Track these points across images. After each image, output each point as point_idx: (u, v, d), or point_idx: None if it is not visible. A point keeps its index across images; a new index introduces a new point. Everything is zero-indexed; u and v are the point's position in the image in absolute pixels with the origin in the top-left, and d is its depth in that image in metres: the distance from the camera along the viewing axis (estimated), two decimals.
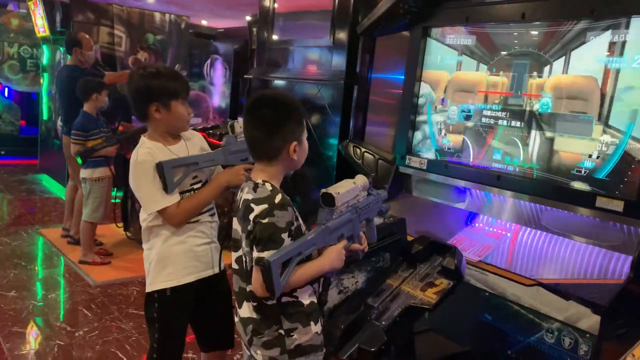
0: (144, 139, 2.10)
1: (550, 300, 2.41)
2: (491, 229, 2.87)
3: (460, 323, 2.78)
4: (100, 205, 4.26)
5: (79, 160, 4.11)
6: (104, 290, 3.84)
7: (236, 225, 1.70)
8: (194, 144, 2.19)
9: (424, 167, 3.23)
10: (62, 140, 5.10)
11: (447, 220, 3.13)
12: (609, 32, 2.44)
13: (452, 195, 3.20)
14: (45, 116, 7.54)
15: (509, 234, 2.79)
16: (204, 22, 16.54)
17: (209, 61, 7.83)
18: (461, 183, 3.07)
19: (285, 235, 1.55)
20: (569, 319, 2.34)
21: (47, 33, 6.90)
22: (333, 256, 1.63)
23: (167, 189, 1.98)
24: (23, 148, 8.33)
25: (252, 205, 1.58)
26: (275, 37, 4.35)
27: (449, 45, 3.15)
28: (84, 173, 4.24)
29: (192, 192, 2.10)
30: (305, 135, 1.71)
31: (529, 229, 2.80)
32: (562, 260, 2.55)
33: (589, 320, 2.22)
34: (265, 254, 1.51)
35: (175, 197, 2.02)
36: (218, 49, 8.23)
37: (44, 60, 7.57)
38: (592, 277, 2.40)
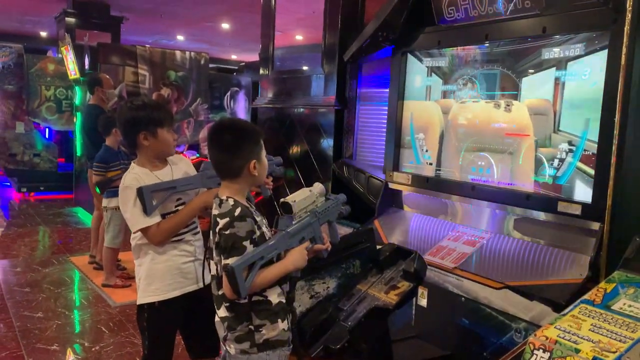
0: (133, 165, 2.31)
1: (518, 301, 2.55)
2: (469, 238, 3.02)
3: (441, 329, 2.93)
4: (120, 232, 4.54)
5: (97, 190, 4.44)
6: (122, 310, 4.12)
7: (212, 237, 1.90)
8: (179, 168, 2.39)
9: (409, 182, 3.41)
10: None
11: (432, 231, 3.29)
12: None
13: (435, 207, 3.37)
14: (78, 153, 8.05)
15: (483, 241, 2.94)
16: (234, 57, 17.09)
17: (228, 93, 8.25)
18: (441, 195, 3.24)
19: (247, 243, 1.75)
20: (534, 319, 2.47)
21: (78, 75, 7.44)
22: (296, 257, 1.82)
23: (146, 211, 2.19)
24: (60, 183, 8.87)
25: (218, 219, 1.79)
26: (275, 69, 4.65)
27: (427, 68, 3.35)
28: (105, 202, 4.54)
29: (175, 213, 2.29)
30: (263, 153, 1.91)
31: (501, 235, 2.94)
32: (529, 263, 2.68)
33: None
34: (230, 261, 1.71)
35: (155, 219, 2.21)
36: (240, 81, 8.65)
37: (77, 100, 8.12)
38: (555, 278, 2.52)
